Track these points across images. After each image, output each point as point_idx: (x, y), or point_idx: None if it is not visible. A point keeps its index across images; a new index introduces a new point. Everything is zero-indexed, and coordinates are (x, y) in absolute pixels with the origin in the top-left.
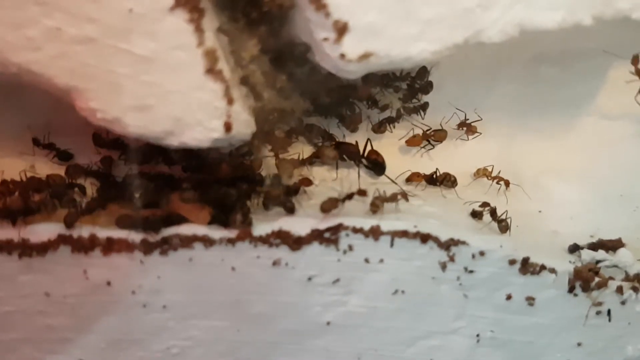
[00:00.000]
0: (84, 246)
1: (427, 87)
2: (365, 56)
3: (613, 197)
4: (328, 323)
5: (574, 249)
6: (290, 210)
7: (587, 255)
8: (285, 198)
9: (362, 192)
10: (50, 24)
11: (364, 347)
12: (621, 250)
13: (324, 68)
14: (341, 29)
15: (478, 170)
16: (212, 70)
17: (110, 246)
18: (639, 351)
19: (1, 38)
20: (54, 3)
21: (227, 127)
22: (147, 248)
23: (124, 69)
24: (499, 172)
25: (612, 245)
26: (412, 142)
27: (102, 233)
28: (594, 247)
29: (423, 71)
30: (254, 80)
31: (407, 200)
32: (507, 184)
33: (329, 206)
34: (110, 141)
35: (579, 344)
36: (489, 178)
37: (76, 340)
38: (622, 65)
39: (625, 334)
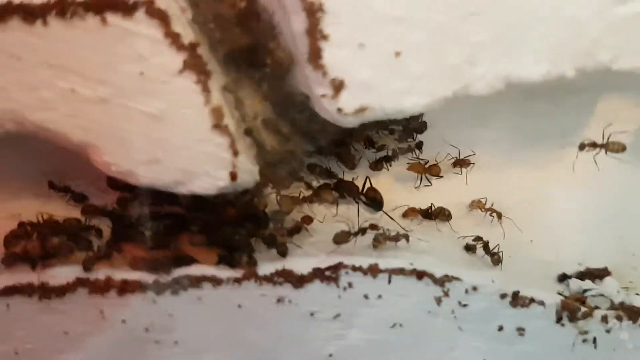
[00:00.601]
0: (100, 288)
1: (421, 127)
2: (360, 110)
3: (600, 225)
4: (330, 355)
5: (563, 278)
6: (282, 254)
7: (575, 284)
8: (280, 242)
9: (374, 227)
10: (64, 85)
11: None
12: (607, 279)
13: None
14: (338, 87)
15: (472, 202)
16: (218, 126)
17: (125, 287)
18: None
19: (18, 99)
20: (67, 67)
21: (233, 176)
22: (159, 288)
23: (135, 126)
24: (492, 204)
25: (599, 274)
26: (413, 168)
27: (117, 275)
28: (581, 276)
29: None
30: (258, 131)
31: (407, 241)
32: (499, 216)
33: (341, 239)
34: (124, 184)
35: None
36: (483, 210)
37: None
38: (610, 99)
39: None
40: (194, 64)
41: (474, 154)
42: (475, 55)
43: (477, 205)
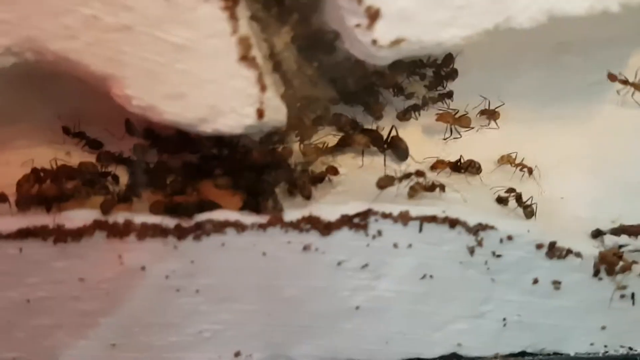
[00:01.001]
0: (119, 232)
1: (453, 74)
2: (397, 42)
3: (633, 184)
4: (357, 307)
5: (597, 234)
6: (307, 197)
7: (610, 240)
8: (305, 185)
9: (420, 173)
10: (88, 12)
11: (392, 331)
12: None
13: (352, 56)
14: (373, 15)
15: (502, 157)
16: (245, 58)
17: (145, 231)
18: None
19: (39, 26)
20: None
21: (260, 113)
22: (180, 233)
23: (159, 57)
24: (522, 159)
25: (634, 231)
26: (443, 117)
27: (137, 219)
28: (616, 232)
29: (449, 58)
30: (286, 67)
31: (443, 191)
32: (530, 171)
33: (385, 183)
34: (142, 130)
35: (603, 327)
36: (513, 165)
37: (109, 324)
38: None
39: None
40: None
41: (503, 104)
42: None
43: (507, 160)
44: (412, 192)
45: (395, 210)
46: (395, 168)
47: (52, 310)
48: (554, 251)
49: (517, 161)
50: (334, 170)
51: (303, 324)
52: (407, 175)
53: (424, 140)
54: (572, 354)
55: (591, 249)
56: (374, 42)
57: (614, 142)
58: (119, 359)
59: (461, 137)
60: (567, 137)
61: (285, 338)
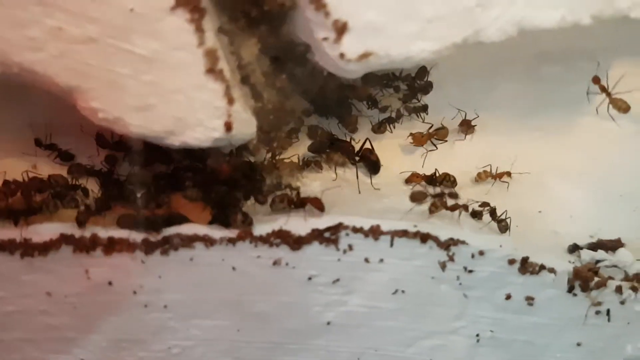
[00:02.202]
0: (85, 246)
1: (427, 87)
2: (364, 55)
3: (613, 197)
4: (328, 323)
5: (574, 249)
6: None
7: (587, 255)
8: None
9: (453, 195)
10: (52, 23)
11: (364, 347)
12: (620, 250)
13: (324, 68)
14: (340, 29)
15: (479, 174)
16: (212, 70)
17: (111, 246)
18: (638, 350)
19: (3, 38)
20: (55, 3)
21: (228, 126)
22: (148, 248)
23: (125, 68)
24: (497, 168)
25: (612, 245)
26: (418, 140)
27: (104, 233)
28: (593, 247)
29: (423, 71)
30: (255, 80)
31: (467, 211)
32: (508, 174)
33: (418, 197)
34: (113, 142)
35: (578, 344)
36: (493, 177)
37: (78, 339)
38: (623, 64)
39: (624, 334)
40: (187, 1)
41: (478, 116)
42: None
43: (483, 176)
44: (433, 209)
45: (367, 224)
46: (377, 182)
47: (21, 324)
48: (526, 267)
49: (493, 171)
50: (317, 203)
51: (274, 340)
52: (439, 195)
53: (401, 153)
54: None
55: (566, 265)
56: (342, 55)
57: (594, 154)
58: None
59: (437, 149)
60: (546, 150)
61: (255, 355)
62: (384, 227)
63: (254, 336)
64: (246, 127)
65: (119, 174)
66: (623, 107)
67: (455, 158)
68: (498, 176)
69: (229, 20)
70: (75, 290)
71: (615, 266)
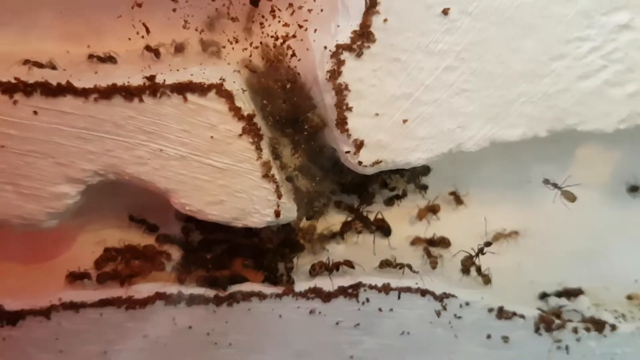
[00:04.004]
0: (173, 300)
1: (425, 171)
2: (376, 163)
3: (577, 253)
4: (351, 357)
5: (543, 296)
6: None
7: (553, 301)
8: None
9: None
10: (155, 146)
11: None
12: (580, 297)
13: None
14: (359, 145)
15: (496, 234)
16: (267, 176)
17: (192, 300)
18: None
19: (119, 157)
20: (157, 133)
21: (277, 214)
22: (218, 301)
23: (205, 176)
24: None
25: (574, 293)
26: (420, 214)
27: (187, 290)
28: (559, 294)
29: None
30: (296, 179)
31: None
32: (517, 233)
33: (467, 263)
34: (187, 216)
35: None
36: (505, 237)
37: None
38: (589, 144)
39: None
40: (250, 130)
41: (467, 193)
42: (466, 122)
43: (498, 236)
44: (433, 265)
45: (380, 282)
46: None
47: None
48: (502, 314)
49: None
50: (349, 264)
51: None
52: (478, 252)
53: (407, 221)
54: None
55: (533, 311)
56: (360, 162)
57: (561, 219)
58: None
59: (439, 219)
60: (521, 216)
61: None
62: (393, 284)
63: None
64: (289, 212)
65: (192, 241)
66: (571, 198)
67: (453, 223)
68: (509, 235)
69: (278, 140)
70: (165, 334)
71: (575, 310)
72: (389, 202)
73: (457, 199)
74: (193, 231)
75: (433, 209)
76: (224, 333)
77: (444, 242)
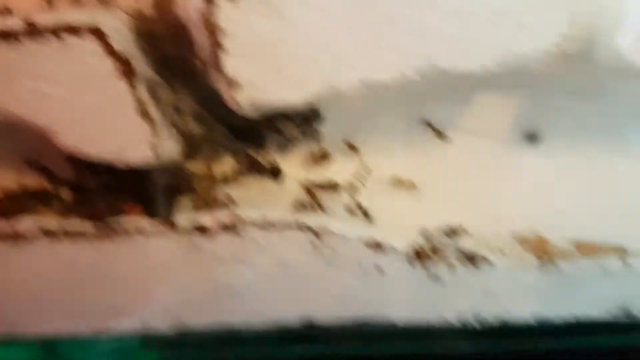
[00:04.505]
0: (57, 236)
1: (316, 117)
2: (252, 103)
3: (469, 198)
4: (232, 288)
5: (425, 232)
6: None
7: (435, 238)
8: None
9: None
10: (34, 86)
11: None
12: (463, 236)
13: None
14: (235, 86)
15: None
16: (144, 115)
17: (76, 235)
18: (471, 308)
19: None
20: (37, 73)
21: (155, 152)
22: (101, 236)
23: (84, 115)
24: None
25: (457, 232)
26: (312, 160)
27: (71, 226)
28: (443, 233)
29: (315, 107)
30: (182, 118)
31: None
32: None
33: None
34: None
35: (420, 303)
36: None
37: None
38: (486, 94)
39: (457, 296)
40: (126, 70)
41: (362, 141)
42: (337, 63)
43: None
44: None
45: (259, 217)
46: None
47: None
48: (377, 246)
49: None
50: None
51: None
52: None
53: (301, 168)
54: (398, 323)
55: (409, 244)
56: (237, 103)
57: (456, 165)
58: None
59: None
60: (416, 162)
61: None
62: (272, 219)
63: None
64: (170, 152)
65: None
66: (442, 138)
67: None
68: (402, 181)
69: (159, 80)
70: (49, 267)
71: (455, 248)
72: (282, 147)
73: (351, 147)
74: (83, 172)
75: (325, 155)
76: (107, 267)
77: (332, 186)
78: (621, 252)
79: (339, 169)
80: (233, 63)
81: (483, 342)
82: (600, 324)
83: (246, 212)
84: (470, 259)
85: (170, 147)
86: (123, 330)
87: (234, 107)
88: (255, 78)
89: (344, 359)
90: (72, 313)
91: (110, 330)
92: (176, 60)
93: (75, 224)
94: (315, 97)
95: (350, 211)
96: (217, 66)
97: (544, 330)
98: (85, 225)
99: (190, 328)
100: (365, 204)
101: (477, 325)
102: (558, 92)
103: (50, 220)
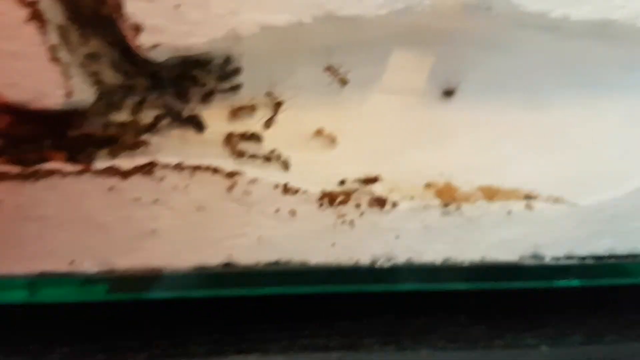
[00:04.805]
0: None
1: (236, 71)
2: (155, 46)
3: (387, 150)
4: (153, 231)
5: (341, 183)
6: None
7: (349, 186)
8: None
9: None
10: None
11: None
12: (376, 183)
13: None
14: (137, 29)
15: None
16: (55, 59)
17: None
18: (381, 249)
19: None
20: None
21: (68, 95)
22: (24, 177)
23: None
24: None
25: (371, 180)
26: (234, 113)
27: None
28: (357, 180)
29: (230, 58)
30: (96, 67)
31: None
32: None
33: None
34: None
35: (333, 244)
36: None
37: None
38: (404, 51)
39: (367, 238)
40: (36, 15)
41: (284, 96)
42: (235, 7)
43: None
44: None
45: (174, 160)
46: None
47: None
48: (286, 189)
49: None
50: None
51: None
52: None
53: (224, 121)
54: (313, 263)
55: (318, 187)
56: (139, 46)
57: (375, 121)
58: None
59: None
60: (336, 118)
61: None
62: (186, 162)
63: None
64: (84, 94)
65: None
66: (343, 82)
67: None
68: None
69: (68, 23)
70: None
71: (365, 192)
72: (203, 99)
73: (274, 101)
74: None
75: (247, 108)
76: (31, 208)
77: (255, 137)
78: (525, 196)
79: (261, 122)
80: (135, 7)
81: (393, 282)
82: (508, 267)
83: (163, 157)
84: (379, 202)
85: (84, 93)
86: (53, 272)
87: (139, 52)
88: (157, 22)
89: (261, 299)
90: (4, 254)
91: (42, 272)
92: (85, 6)
93: (2, 166)
94: (219, 43)
95: (268, 160)
96: (121, 10)
97: (452, 272)
98: (12, 168)
99: (117, 270)
100: (284, 155)
101: (387, 266)
102: (469, 46)
103: None
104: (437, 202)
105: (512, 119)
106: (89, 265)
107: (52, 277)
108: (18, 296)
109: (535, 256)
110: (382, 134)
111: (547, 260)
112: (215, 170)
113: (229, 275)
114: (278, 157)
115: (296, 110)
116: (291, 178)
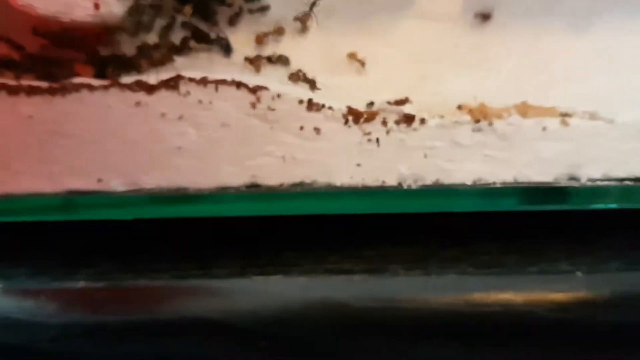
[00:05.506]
0: (14, 90)
1: None
2: None
3: (420, 76)
4: (179, 147)
5: (370, 104)
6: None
7: (377, 106)
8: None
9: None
10: None
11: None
12: (406, 105)
13: None
14: None
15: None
16: None
17: (30, 90)
18: (409, 170)
19: None
20: None
21: (96, 6)
22: (52, 92)
23: None
24: None
25: (401, 102)
26: (260, 38)
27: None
28: (390, 102)
29: None
30: None
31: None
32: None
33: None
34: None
35: (358, 165)
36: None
37: None
38: None
39: (394, 157)
40: None
41: (313, 20)
42: None
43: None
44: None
45: (198, 75)
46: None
47: None
48: (311, 105)
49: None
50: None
51: None
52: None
53: (252, 44)
54: (338, 184)
55: (342, 103)
56: None
57: (409, 47)
58: None
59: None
60: (368, 43)
61: None
62: (210, 77)
63: None
64: (114, 7)
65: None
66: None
67: (300, 45)
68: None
69: None
70: (8, 123)
71: (393, 111)
72: (231, 21)
73: (303, 24)
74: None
75: (277, 31)
76: (61, 123)
77: (282, 60)
78: (562, 114)
79: (290, 46)
80: None
81: (422, 202)
82: (543, 188)
83: (188, 72)
84: (407, 119)
85: (113, 6)
86: (82, 190)
87: None
88: None
89: (286, 222)
90: (33, 171)
91: (70, 190)
92: None
93: (31, 81)
94: None
95: (294, 80)
96: None
97: (484, 193)
98: (41, 83)
99: (143, 188)
100: (312, 77)
101: (415, 187)
102: None
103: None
104: (467, 118)
105: (547, 42)
106: (116, 184)
107: (82, 196)
108: (50, 215)
109: (571, 177)
110: (415, 59)
111: (584, 181)
112: (239, 85)
113: (254, 194)
114: (306, 79)
115: (326, 34)
116: (315, 94)
